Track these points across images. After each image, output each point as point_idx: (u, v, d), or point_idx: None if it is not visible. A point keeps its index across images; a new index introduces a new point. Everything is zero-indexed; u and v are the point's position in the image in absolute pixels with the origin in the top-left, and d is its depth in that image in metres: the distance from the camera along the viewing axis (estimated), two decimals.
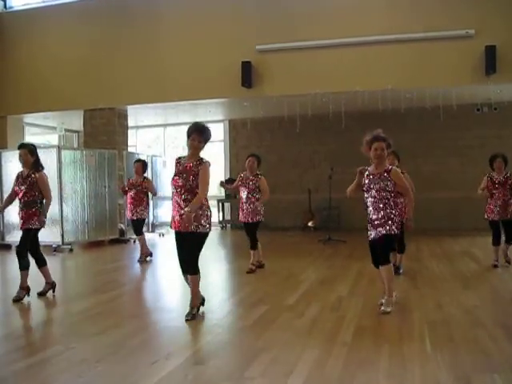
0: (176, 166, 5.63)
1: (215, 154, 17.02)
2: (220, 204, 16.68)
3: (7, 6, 14.79)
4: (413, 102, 12.34)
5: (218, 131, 17.00)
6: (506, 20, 11.01)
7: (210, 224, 5.59)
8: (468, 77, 11.36)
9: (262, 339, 4.84)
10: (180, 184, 5.47)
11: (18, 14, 14.58)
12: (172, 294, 7.45)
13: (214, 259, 11.01)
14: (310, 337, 4.91)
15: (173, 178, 5.58)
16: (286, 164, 16.27)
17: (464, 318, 5.45)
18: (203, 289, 7.51)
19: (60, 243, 11.63)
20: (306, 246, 11.96)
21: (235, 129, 16.97)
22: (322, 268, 8.94)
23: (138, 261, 9.90)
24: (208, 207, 5.58)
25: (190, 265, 5.61)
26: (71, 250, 11.66)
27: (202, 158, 5.57)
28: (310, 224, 15.32)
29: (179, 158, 5.69)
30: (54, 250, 11.46)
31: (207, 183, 5.48)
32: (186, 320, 5.47)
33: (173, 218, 5.59)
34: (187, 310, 5.64)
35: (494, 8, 11.12)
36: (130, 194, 10.03)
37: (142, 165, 10.11)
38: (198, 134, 5.52)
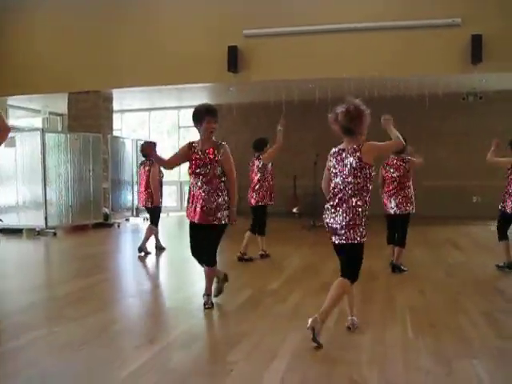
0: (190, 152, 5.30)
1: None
2: None
3: None
4: (399, 89, 12.37)
5: None
6: (492, 9, 11.03)
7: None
8: (454, 65, 11.40)
9: (245, 324, 4.85)
10: (202, 173, 5.21)
11: None
12: (156, 279, 7.44)
13: None
14: (292, 322, 4.93)
15: (190, 167, 5.26)
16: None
17: (446, 305, 5.51)
18: (188, 272, 7.52)
19: (43, 227, 11.55)
20: (290, 233, 11.99)
21: (221, 114, 16.86)
22: (305, 254, 8.98)
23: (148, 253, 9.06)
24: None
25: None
26: (55, 233, 11.59)
27: (219, 142, 5.40)
28: (294, 210, 15.35)
29: (192, 142, 5.38)
30: (38, 234, 11.40)
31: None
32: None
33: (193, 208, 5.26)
34: (171, 296, 5.63)
35: None
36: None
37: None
38: (214, 115, 5.40)
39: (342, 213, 4.33)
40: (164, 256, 9.25)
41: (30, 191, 11.81)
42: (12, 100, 15.28)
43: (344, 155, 4.44)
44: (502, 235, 7.37)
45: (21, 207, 11.85)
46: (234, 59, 12.20)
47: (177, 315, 5.29)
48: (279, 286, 6.46)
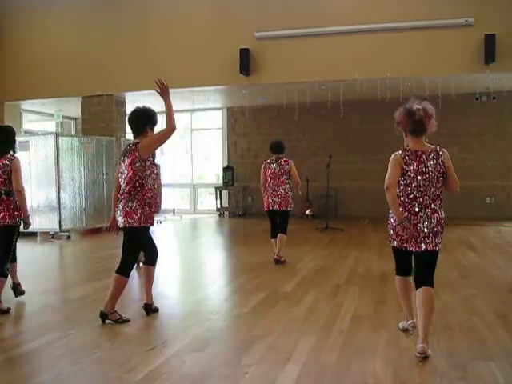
0: None
1: (213, 141, 17.05)
2: (218, 191, 16.68)
3: None
4: (412, 90, 12.28)
5: (216, 119, 17.00)
6: (505, 9, 10.95)
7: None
8: (467, 65, 11.32)
9: (258, 326, 4.85)
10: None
11: (17, 0, 14.45)
12: (169, 281, 7.46)
13: (211, 246, 11.04)
14: (306, 324, 4.92)
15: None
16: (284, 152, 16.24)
17: (460, 306, 5.47)
18: (200, 276, 7.52)
19: (57, 230, 11.63)
20: (303, 234, 11.96)
21: (233, 116, 16.92)
22: (319, 256, 8.95)
23: None
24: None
25: None
26: (69, 237, 11.67)
27: None
28: (307, 212, 15.33)
29: None
30: (52, 237, 11.46)
31: None
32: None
33: None
34: (184, 298, 5.62)
35: None
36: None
37: None
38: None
39: (428, 218, 4.10)
40: (176, 259, 9.26)
41: (43, 195, 11.88)
42: (26, 104, 15.39)
43: (424, 157, 4.14)
44: None
45: (35, 211, 11.89)
46: (246, 61, 12.20)
47: (190, 318, 5.30)
48: (292, 288, 6.45)
